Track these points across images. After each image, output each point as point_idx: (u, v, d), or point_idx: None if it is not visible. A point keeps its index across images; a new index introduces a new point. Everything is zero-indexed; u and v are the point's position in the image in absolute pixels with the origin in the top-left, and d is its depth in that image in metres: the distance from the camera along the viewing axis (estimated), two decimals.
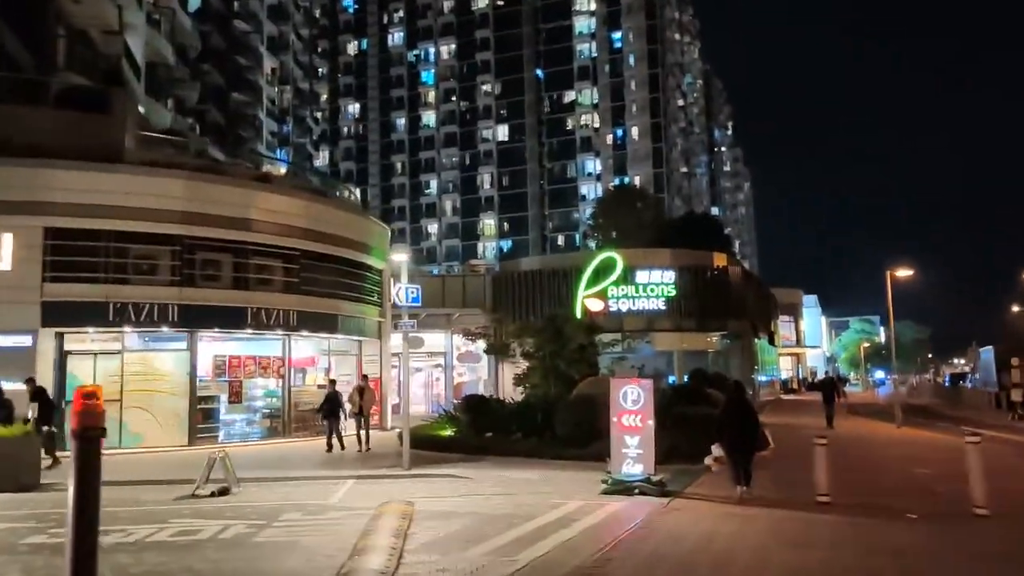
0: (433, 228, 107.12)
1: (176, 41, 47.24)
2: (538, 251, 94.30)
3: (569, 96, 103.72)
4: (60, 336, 20.57)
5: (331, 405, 20.23)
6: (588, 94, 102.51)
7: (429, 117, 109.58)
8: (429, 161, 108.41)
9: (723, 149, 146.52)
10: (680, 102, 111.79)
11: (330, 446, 19.80)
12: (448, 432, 20.61)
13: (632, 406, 12.70)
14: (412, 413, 18.42)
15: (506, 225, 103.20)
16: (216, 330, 22.38)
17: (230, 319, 22.26)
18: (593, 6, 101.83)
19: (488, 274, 44.40)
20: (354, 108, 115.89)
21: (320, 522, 10.59)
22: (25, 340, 19.69)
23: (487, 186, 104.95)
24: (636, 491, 12.21)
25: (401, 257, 17.08)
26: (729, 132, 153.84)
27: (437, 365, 43.30)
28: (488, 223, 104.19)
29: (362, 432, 20.19)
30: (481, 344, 23.32)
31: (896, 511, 11.06)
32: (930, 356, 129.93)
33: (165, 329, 21.30)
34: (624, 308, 40.19)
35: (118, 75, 27.85)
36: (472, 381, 42.45)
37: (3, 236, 19.49)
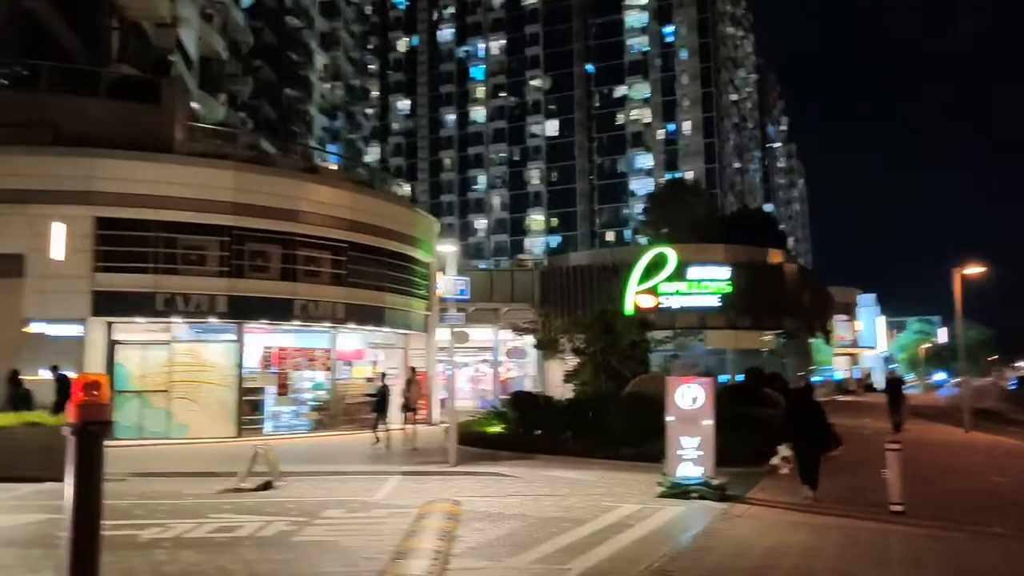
0: (481, 224, 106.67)
1: (229, 36, 47.67)
2: (587, 247, 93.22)
3: (619, 91, 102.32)
4: (109, 326, 20.61)
5: (381, 399, 19.86)
6: (639, 89, 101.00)
7: (478, 113, 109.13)
8: (478, 157, 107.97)
9: (777, 145, 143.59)
10: (733, 97, 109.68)
11: (377, 438, 19.44)
12: (495, 428, 20.09)
13: (691, 405, 12.04)
14: (458, 408, 18.03)
15: (554, 221, 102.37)
16: (264, 322, 22.21)
17: (278, 311, 22.09)
18: (644, 0, 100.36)
19: (536, 269, 43.89)
20: (404, 104, 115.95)
21: (362, 521, 10.14)
22: (76, 329, 19.77)
23: (535, 182, 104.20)
24: (694, 495, 11.54)
25: (449, 248, 16.60)
26: (783, 128, 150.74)
27: (484, 360, 42.98)
28: (536, 219, 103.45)
29: (408, 427, 19.83)
30: (529, 339, 22.75)
31: (979, 524, 10.21)
32: (992, 359, 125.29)
33: (213, 320, 21.21)
34: (676, 305, 39.36)
35: (169, 67, 27.96)
36: (519, 377, 41.99)
37: (56, 226, 19.53)
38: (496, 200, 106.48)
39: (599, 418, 17.40)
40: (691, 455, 11.96)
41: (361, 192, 25.34)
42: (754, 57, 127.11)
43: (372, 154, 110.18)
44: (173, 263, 20.77)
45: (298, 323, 22.68)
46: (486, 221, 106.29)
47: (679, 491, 11.66)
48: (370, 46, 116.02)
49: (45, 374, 17.37)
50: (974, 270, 29.89)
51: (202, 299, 20.75)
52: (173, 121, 21.65)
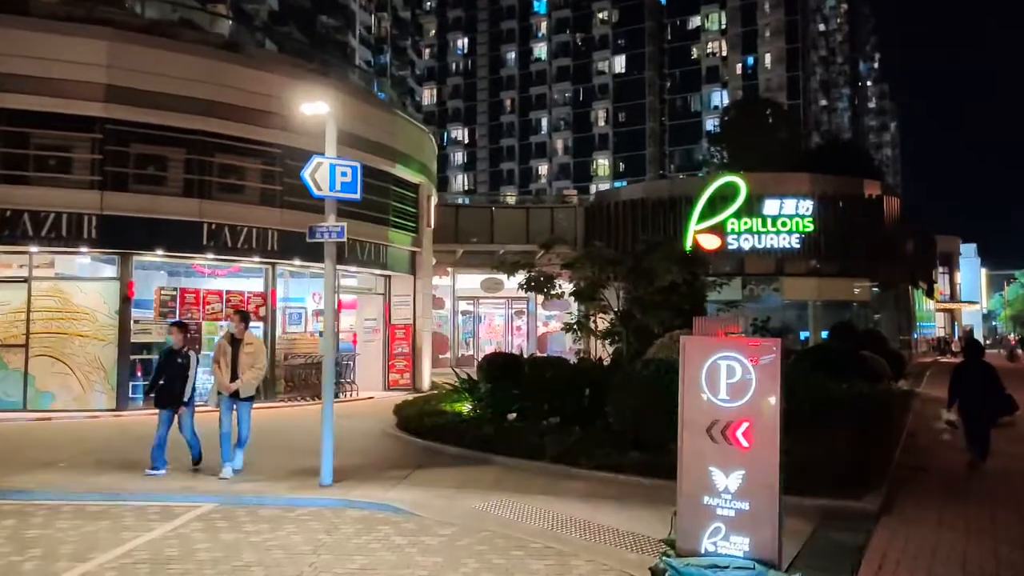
0: (543, 169, 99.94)
1: None
2: None
3: (694, 22, 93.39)
4: None
5: (170, 373, 9.95)
6: (715, 18, 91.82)
7: (541, 50, 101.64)
8: (540, 97, 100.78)
9: (868, 83, 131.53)
10: (820, 27, 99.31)
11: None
12: (464, 406, 13.82)
13: (727, 399, 5.50)
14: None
15: (622, 165, 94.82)
16: (160, 252, 16.27)
17: (179, 239, 16.13)
18: None
19: (581, 205, 37.19)
20: (463, 43, 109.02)
21: None
22: None
23: (601, 123, 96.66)
24: None
25: (320, 108, 10.15)
26: (875, 65, 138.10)
27: (519, 312, 37.13)
28: (602, 163, 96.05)
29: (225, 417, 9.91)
30: (520, 277, 16.50)
31: None
32: None
33: (83, 249, 15.43)
34: (747, 246, 32.22)
35: None
36: (560, 332, 36.02)
37: None
38: (559, 143, 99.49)
39: (599, 398, 10.93)
40: (728, 508, 5.46)
41: (312, 84, 18.88)
42: None
43: (429, 97, 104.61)
44: (21, 169, 14.98)
45: (212, 256, 16.72)
46: (548, 166, 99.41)
47: None
48: None
49: None
50: None
51: (61, 219, 14.94)
52: None
